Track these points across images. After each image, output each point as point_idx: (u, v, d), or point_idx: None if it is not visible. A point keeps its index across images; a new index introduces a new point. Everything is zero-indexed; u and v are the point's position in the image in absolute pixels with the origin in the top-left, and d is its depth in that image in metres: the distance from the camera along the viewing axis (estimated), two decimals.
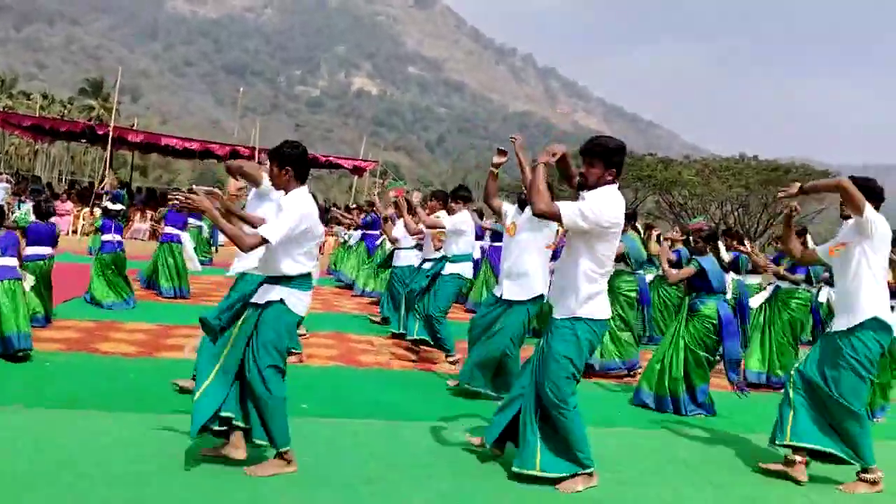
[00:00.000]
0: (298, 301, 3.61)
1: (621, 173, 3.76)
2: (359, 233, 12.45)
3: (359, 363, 6.53)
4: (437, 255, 6.82)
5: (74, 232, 17.15)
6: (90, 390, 4.82)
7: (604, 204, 3.62)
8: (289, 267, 3.56)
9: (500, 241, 9.27)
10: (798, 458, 4.21)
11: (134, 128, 25.85)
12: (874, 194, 4.17)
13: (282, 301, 3.55)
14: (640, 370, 6.66)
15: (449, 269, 6.50)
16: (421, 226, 6.93)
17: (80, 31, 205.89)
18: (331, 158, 25.18)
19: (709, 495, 3.95)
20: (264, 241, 3.42)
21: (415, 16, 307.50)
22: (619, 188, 3.80)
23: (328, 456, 3.93)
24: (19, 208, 20.50)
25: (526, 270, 5.20)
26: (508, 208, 5.60)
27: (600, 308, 3.78)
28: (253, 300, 3.60)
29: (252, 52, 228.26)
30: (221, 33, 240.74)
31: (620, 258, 6.59)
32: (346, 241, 13.36)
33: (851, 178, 4.17)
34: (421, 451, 4.16)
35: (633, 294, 7.08)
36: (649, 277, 8.32)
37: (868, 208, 4.05)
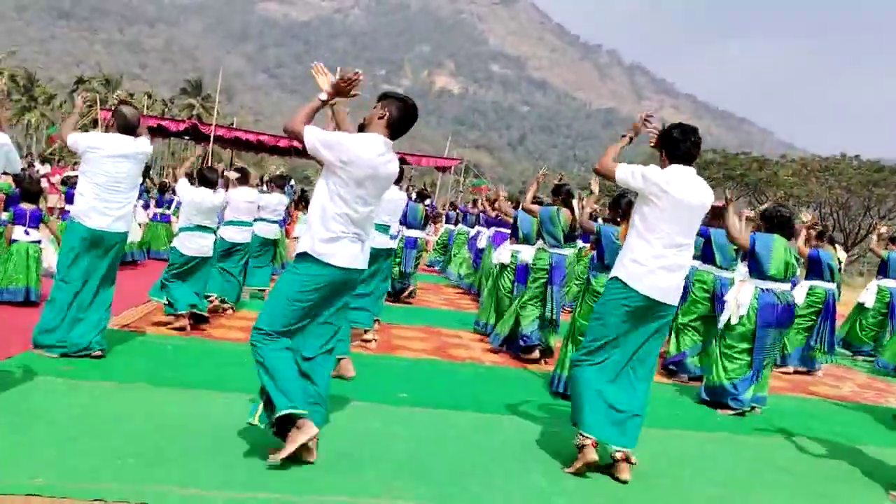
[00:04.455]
0: None
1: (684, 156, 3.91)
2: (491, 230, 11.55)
3: (451, 357, 6.68)
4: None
5: None
6: (204, 372, 5.14)
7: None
8: None
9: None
10: None
11: (233, 126, 26.86)
12: None
13: None
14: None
15: None
16: None
17: (178, 33, 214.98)
18: (414, 156, 25.49)
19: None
20: None
21: (498, 13, 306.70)
22: (711, 187, 3.99)
23: (430, 445, 4.06)
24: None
25: None
26: None
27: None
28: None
29: (340, 52, 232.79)
30: (311, 35, 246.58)
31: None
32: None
33: None
34: (520, 445, 4.24)
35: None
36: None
37: None
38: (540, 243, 6.84)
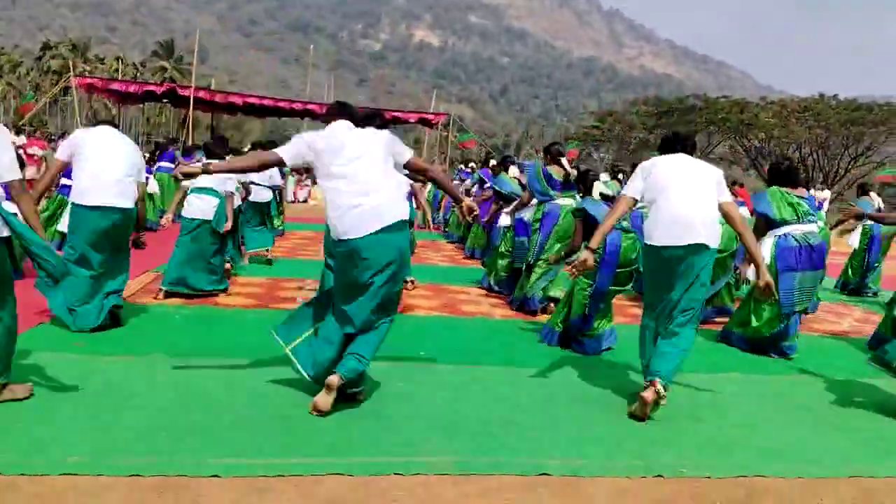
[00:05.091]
0: None
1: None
2: None
3: (461, 312, 6.69)
4: None
5: None
6: (216, 340, 5.11)
7: None
8: None
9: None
10: None
11: (210, 88, 26.35)
12: None
13: None
14: None
15: None
16: None
17: None
18: (397, 114, 25.14)
19: (836, 438, 3.92)
20: None
21: None
22: (694, 131, 4.12)
23: (459, 401, 4.06)
24: None
25: None
26: None
27: None
28: None
29: (314, 7, 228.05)
30: None
31: None
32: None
33: None
34: (543, 397, 4.26)
35: None
36: None
37: None
38: (534, 201, 6.96)
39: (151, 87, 22.95)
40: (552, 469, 3.20)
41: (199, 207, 6.52)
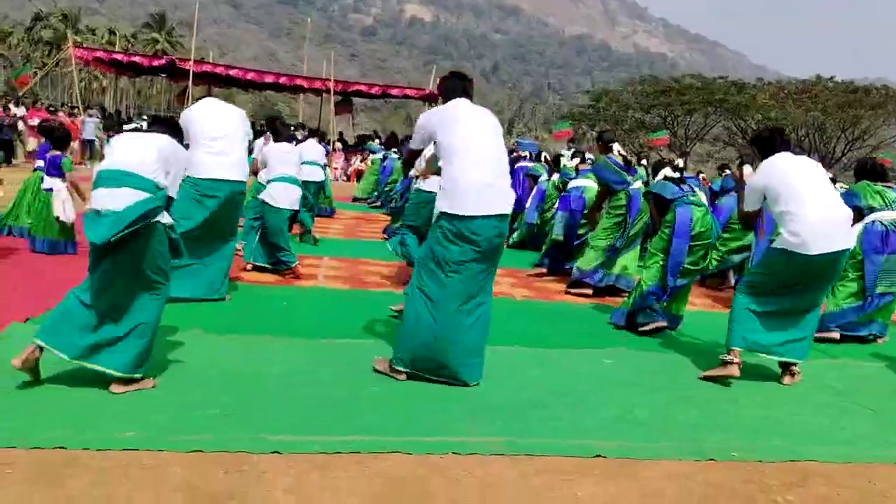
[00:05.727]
0: None
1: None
2: None
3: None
4: None
5: None
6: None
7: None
8: None
9: None
10: None
11: (204, 61, 26.04)
12: None
13: None
14: None
15: None
16: None
17: None
18: (396, 87, 25.01)
19: (866, 420, 3.97)
20: None
21: None
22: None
23: (499, 382, 4.06)
24: (108, 143, 21.15)
25: None
26: None
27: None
28: None
29: None
30: None
31: None
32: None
33: None
34: (585, 377, 4.28)
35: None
36: None
37: None
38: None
39: (147, 59, 22.62)
40: (606, 451, 3.23)
41: (287, 197, 6.63)
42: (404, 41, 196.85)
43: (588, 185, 7.65)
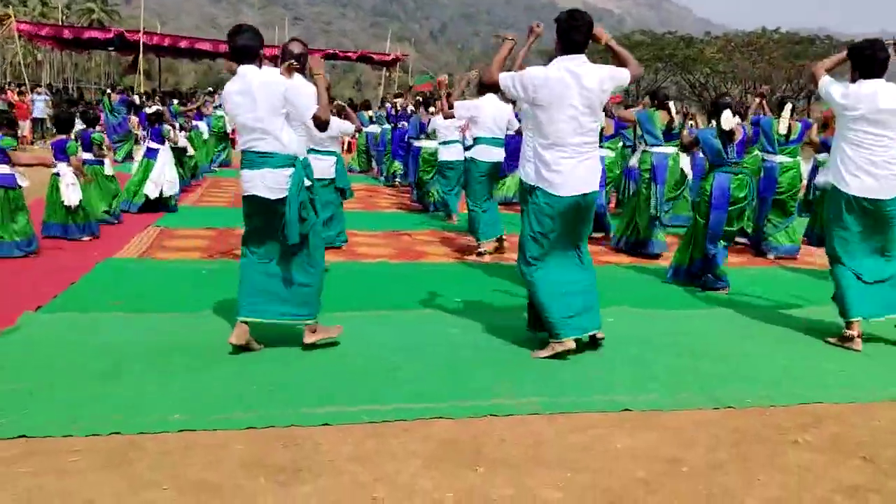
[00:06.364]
0: None
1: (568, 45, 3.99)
2: None
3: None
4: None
5: None
6: None
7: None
8: None
9: None
10: None
11: (159, 32, 25.30)
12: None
13: None
14: None
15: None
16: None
17: None
18: (354, 52, 24.76)
19: (872, 366, 4.24)
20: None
21: None
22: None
23: (513, 345, 4.25)
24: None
25: None
26: None
27: None
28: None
29: None
30: None
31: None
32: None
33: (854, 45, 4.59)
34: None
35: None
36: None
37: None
38: (642, 145, 7.22)
39: (97, 32, 21.85)
40: (632, 405, 3.42)
41: (319, 167, 6.49)
42: (349, 2, 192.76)
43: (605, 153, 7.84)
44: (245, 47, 3.83)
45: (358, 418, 3.15)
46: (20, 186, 6.05)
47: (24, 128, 17.63)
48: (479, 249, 6.79)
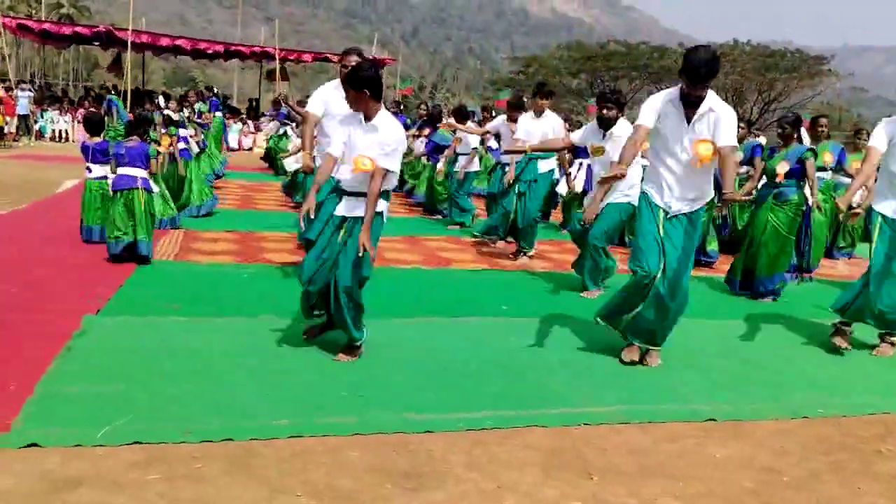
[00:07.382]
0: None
1: None
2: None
3: (501, 266, 6.95)
4: None
5: None
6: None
7: None
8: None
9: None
10: None
11: (140, 29, 24.90)
12: None
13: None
14: None
15: None
16: None
17: None
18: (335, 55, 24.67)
19: None
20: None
21: None
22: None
23: (582, 353, 4.35)
24: (42, 117, 20.06)
25: None
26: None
27: None
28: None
29: None
30: None
31: None
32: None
33: None
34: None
35: None
36: None
37: None
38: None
39: (81, 29, 21.48)
40: (716, 415, 3.54)
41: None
42: (321, 4, 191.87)
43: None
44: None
45: (455, 426, 3.21)
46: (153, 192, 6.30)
47: (12, 124, 17.27)
48: (530, 253, 7.35)
